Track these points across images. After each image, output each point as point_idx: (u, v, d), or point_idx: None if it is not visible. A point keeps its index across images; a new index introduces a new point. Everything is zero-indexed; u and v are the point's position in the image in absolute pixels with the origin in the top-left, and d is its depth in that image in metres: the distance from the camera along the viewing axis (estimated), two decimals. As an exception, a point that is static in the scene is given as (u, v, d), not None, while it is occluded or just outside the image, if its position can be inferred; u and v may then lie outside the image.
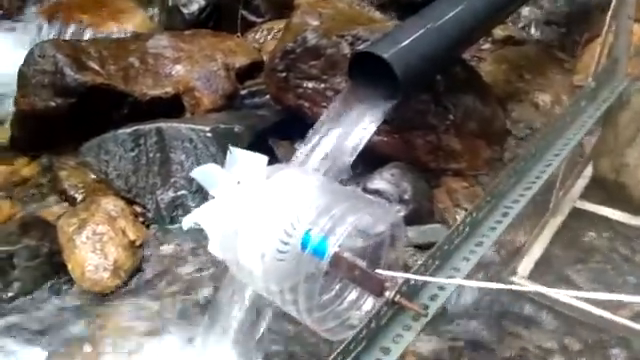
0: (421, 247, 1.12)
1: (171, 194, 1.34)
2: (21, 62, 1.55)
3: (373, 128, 1.06)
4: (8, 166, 1.55)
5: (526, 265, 1.08)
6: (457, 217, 1.21)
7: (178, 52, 1.70)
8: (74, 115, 1.51)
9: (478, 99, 1.33)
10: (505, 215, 0.86)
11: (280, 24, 1.90)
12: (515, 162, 0.93)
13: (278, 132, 1.45)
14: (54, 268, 1.20)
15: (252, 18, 2.01)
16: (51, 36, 1.99)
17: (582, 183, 1.26)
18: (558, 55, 1.73)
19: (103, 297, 1.17)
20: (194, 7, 1.96)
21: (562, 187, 1.19)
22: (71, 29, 2.06)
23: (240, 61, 1.74)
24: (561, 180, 1.18)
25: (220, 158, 1.33)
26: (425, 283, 0.75)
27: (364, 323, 0.67)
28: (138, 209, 1.35)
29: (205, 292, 1.17)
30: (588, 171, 1.29)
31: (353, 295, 0.79)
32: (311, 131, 1.11)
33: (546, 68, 1.66)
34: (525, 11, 1.81)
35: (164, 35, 1.78)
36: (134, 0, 2.14)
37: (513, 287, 0.65)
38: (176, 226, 1.32)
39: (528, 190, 0.92)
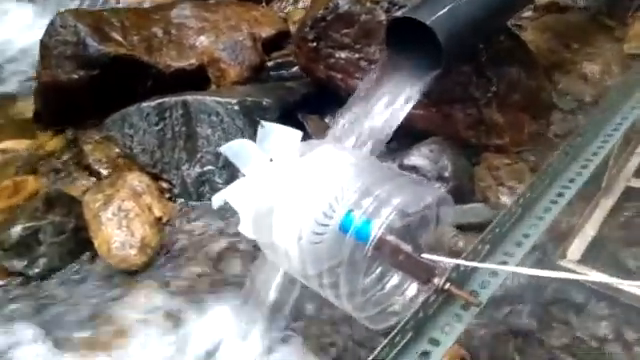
0: (462, 227, 1.05)
1: (197, 169, 1.29)
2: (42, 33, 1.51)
3: (413, 101, 0.99)
4: (33, 140, 1.52)
5: (577, 247, 1.00)
6: (500, 196, 1.14)
7: (202, 22, 1.64)
8: (97, 87, 1.47)
9: (523, 70, 1.24)
10: (560, 195, 0.80)
11: (306, -8, 1.82)
12: (571, 138, 0.86)
13: (308, 105, 1.39)
14: (80, 244, 1.18)
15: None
16: (72, 5, 1.95)
17: (637, 160, 1.17)
18: (606, 22, 1.60)
19: (130, 274, 1.14)
20: (218, -25, 1.88)
21: (615, 164, 1.11)
22: (93, -1, 2.01)
23: (266, 31, 1.67)
24: (614, 157, 1.09)
25: (248, 132, 1.29)
26: (475, 269, 0.69)
27: (411, 313, 0.61)
28: (164, 185, 1.31)
29: (234, 269, 1.13)
30: (642, 147, 1.19)
31: (395, 280, 0.74)
32: (345, 105, 1.04)
33: (594, 36, 1.54)
34: (570, -26, 1.69)
35: (187, 4, 1.71)
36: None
37: (575, 276, 0.59)
38: (203, 202, 1.28)
39: (585, 168, 0.84)
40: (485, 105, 1.20)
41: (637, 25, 1.54)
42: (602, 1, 1.68)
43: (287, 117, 1.33)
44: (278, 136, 0.80)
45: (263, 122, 0.81)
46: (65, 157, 1.45)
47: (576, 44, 1.51)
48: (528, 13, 1.66)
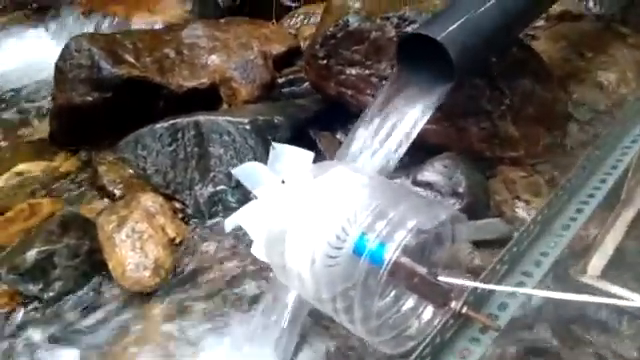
0: (478, 244, 1.03)
1: (210, 189, 1.29)
2: (58, 56, 1.53)
3: (426, 116, 0.98)
4: (48, 162, 1.54)
5: (597, 262, 0.98)
6: (516, 209, 1.12)
7: (213, 41, 1.65)
8: (111, 109, 1.48)
9: (537, 81, 1.23)
10: (580, 211, 0.78)
11: (316, 8, 1.82)
12: (588, 152, 0.84)
13: (319, 122, 1.38)
14: (94, 267, 1.18)
15: (287, 3, 1.94)
16: (87, 29, 1.98)
17: (656, 171, 1.14)
18: (621, 30, 1.58)
19: (144, 296, 1.14)
20: (228, -6, 1.91)
21: (634, 176, 1.08)
22: (107, 21, 2.04)
23: (277, 48, 1.68)
24: (633, 168, 1.06)
25: (259, 151, 1.29)
26: (493, 290, 0.67)
27: (428, 338, 0.60)
28: (177, 205, 1.31)
29: (249, 290, 1.12)
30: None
31: (410, 303, 0.72)
32: (357, 121, 1.04)
33: (608, 44, 1.52)
34: (583, -17, 1.67)
35: (199, 24, 1.73)
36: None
37: (604, 300, 0.57)
38: (216, 222, 1.27)
39: (604, 183, 0.83)
40: (499, 118, 1.18)
41: (652, 32, 1.52)
42: (616, 9, 1.66)
43: (299, 135, 1.33)
44: (290, 158, 0.80)
45: (275, 144, 0.81)
46: (80, 178, 1.46)
47: (590, 52, 1.49)
48: (541, 22, 1.64)
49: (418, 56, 1.04)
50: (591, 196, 0.79)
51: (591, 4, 1.68)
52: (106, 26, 1.99)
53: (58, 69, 1.52)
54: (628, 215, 1.06)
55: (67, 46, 1.51)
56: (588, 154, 0.82)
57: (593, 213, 0.79)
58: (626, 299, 0.86)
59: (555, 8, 1.62)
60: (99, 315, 1.12)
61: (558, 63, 1.45)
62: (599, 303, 0.92)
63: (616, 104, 1.32)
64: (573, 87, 1.37)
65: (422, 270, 0.64)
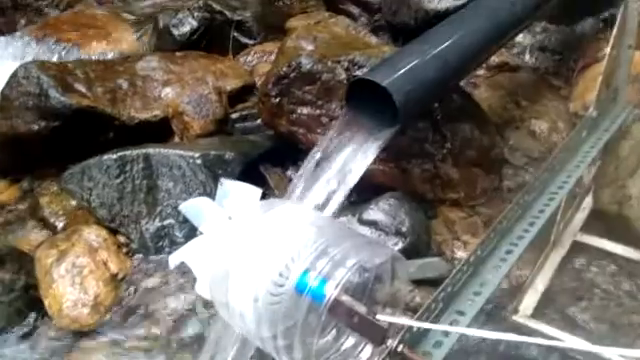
0: (420, 282, 1.07)
1: (157, 223, 1.28)
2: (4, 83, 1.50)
3: (371, 157, 1.02)
4: (-14, 191, 1.48)
5: (528, 302, 1.03)
6: (455, 250, 1.17)
7: (168, 74, 1.66)
8: (58, 138, 1.45)
9: (476, 127, 1.30)
10: (509, 252, 0.83)
11: (272, 46, 1.88)
12: (518, 196, 0.89)
13: (270, 158, 1.41)
14: (30, 303, 1.13)
15: (244, 40, 1.98)
16: (39, 56, 1.94)
17: (582, 215, 1.22)
18: (553, 82, 1.71)
19: (82, 335, 1.10)
20: (185, 28, 1.93)
21: (562, 220, 1.16)
22: (59, 49, 2.01)
23: (231, 84, 1.70)
24: (562, 212, 1.14)
25: (210, 185, 1.29)
26: (428, 329, 0.70)
27: (365, 377, 0.62)
28: (122, 239, 1.29)
29: (192, 328, 1.11)
30: (588, 202, 1.25)
31: (351, 341, 0.74)
32: (306, 160, 1.07)
33: (542, 95, 1.64)
34: (519, 37, 1.80)
35: (154, 56, 1.74)
36: (125, 21, 2.11)
37: (534, 340, 0.60)
38: (162, 257, 1.26)
39: (532, 226, 0.88)
40: (441, 161, 1.25)
41: (581, 85, 1.65)
42: (549, 61, 1.80)
43: (250, 170, 1.34)
44: (238, 194, 0.80)
45: (223, 180, 0.82)
46: (19, 209, 1.41)
47: (526, 102, 1.60)
48: (482, 72, 1.75)
49: (366, 99, 1.09)
50: (520, 238, 0.84)
51: (527, 57, 1.82)
52: (59, 54, 1.96)
53: (4, 96, 1.48)
54: (557, 257, 1.12)
55: (15, 73, 1.49)
56: (518, 199, 0.87)
57: (523, 255, 0.84)
58: (555, 338, 0.91)
59: (494, 59, 1.74)
60: (33, 355, 1.07)
61: (496, 111, 1.54)
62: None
63: (548, 151, 1.42)
64: (509, 134, 1.47)
65: (361, 308, 0.66)
